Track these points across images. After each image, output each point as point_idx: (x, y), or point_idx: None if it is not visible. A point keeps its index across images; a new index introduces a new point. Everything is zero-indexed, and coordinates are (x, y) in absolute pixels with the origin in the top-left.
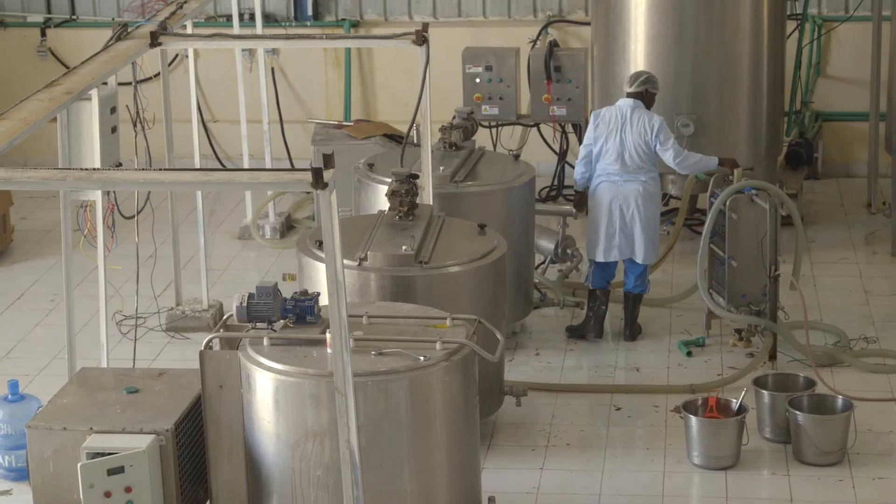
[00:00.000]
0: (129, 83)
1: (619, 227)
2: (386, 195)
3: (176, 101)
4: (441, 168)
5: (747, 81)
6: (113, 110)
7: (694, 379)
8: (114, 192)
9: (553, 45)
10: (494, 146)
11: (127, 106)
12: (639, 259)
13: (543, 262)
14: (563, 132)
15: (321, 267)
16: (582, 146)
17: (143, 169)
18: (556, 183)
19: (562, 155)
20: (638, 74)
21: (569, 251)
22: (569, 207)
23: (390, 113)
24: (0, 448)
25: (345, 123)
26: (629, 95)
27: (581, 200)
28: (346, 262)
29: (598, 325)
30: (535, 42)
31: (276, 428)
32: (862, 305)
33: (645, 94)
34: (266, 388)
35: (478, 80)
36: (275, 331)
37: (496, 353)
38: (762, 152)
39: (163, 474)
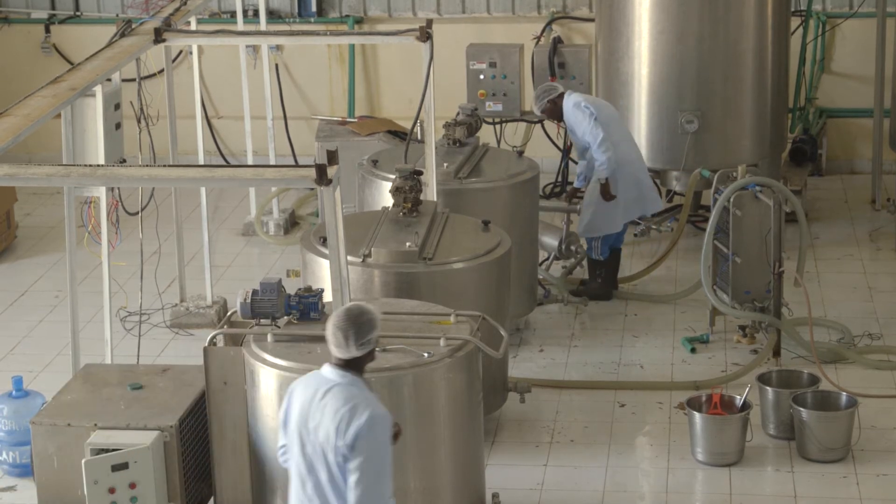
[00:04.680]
0: (133, 80)
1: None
2: (390, 192)
3: (180, 97)
4: (445, 164)
5: (751, 78)
6: (117, 107)
7: (698, 375)
8: (118, 188)
9: (557, 41)
10: (498, 143)
11: (131, 102)
12: (658, 208)
13: (547, 259)
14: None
15: (325, 263)
16: (602, 139)
17: (146, 165)
18: (559, 179)
19: (566, 151)
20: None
21: (573, 247)
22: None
23: (394, 109)
24: (4, 444)
25: (349, 120)
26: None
27: (576, 194)
28: (349, 258)
29: (615, 281)
30: (539, 38)
31: None
32: (866, 302)
33: None
34: (270, 384)
35: (482, 77)
36: (279, 327)
37: (500, 350)
38: (766, 149)
39: (167, 470)
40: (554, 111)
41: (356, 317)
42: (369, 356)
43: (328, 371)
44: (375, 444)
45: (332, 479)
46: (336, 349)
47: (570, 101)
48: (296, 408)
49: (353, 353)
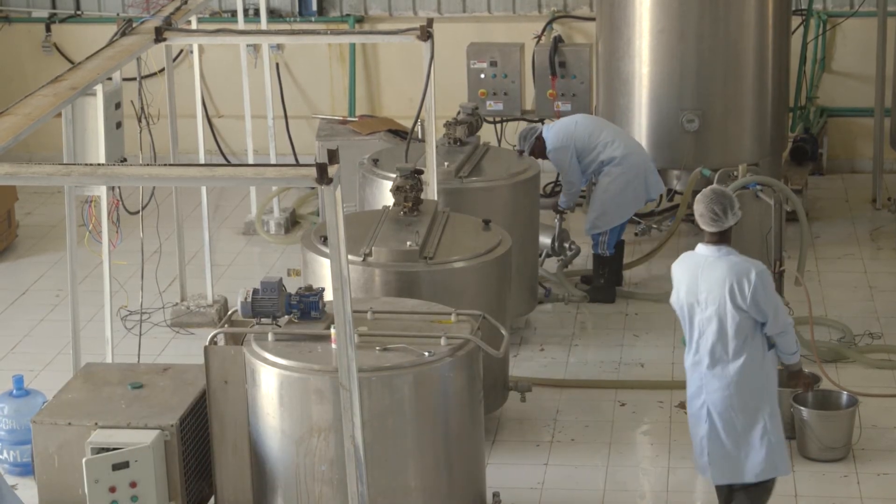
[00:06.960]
0: (134, 79)
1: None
2: (390, 191)
3: (180, 96)
4: (445, 164)
5: (752, 77)
6: (118, 106)
7: None
8: (118, 187)
9: (558, 40)
10: (499, 142)
11: (132, 101)
12: (661, 190)
13: (540, 256)
14: None
15: (326, 262)
16: (573, 193)
17: (147, 164)
18: (559, 179)
19: None
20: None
21: (565, 245)
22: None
23: (395, 108)
24: (5, 443)
25: (349, 119)
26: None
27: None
28: (350, 257)
29: (619, 276)
30: (539, 37)
31: (281, 423)
32: (867, 301)
33: None
34: (270, 383)
35: (482, 76)
36: (279, 326)
37: (501, 349)
38: (767, 148)
39: (167, 469)
40: (539, 149)
41: (722, 193)
42: (732, 228)
43: (704, 249)
44: (770, 292)
45: (722, 337)
46: (712, 225)
47: (549, 142)
48: (683, 287)
49: (730, 223)
